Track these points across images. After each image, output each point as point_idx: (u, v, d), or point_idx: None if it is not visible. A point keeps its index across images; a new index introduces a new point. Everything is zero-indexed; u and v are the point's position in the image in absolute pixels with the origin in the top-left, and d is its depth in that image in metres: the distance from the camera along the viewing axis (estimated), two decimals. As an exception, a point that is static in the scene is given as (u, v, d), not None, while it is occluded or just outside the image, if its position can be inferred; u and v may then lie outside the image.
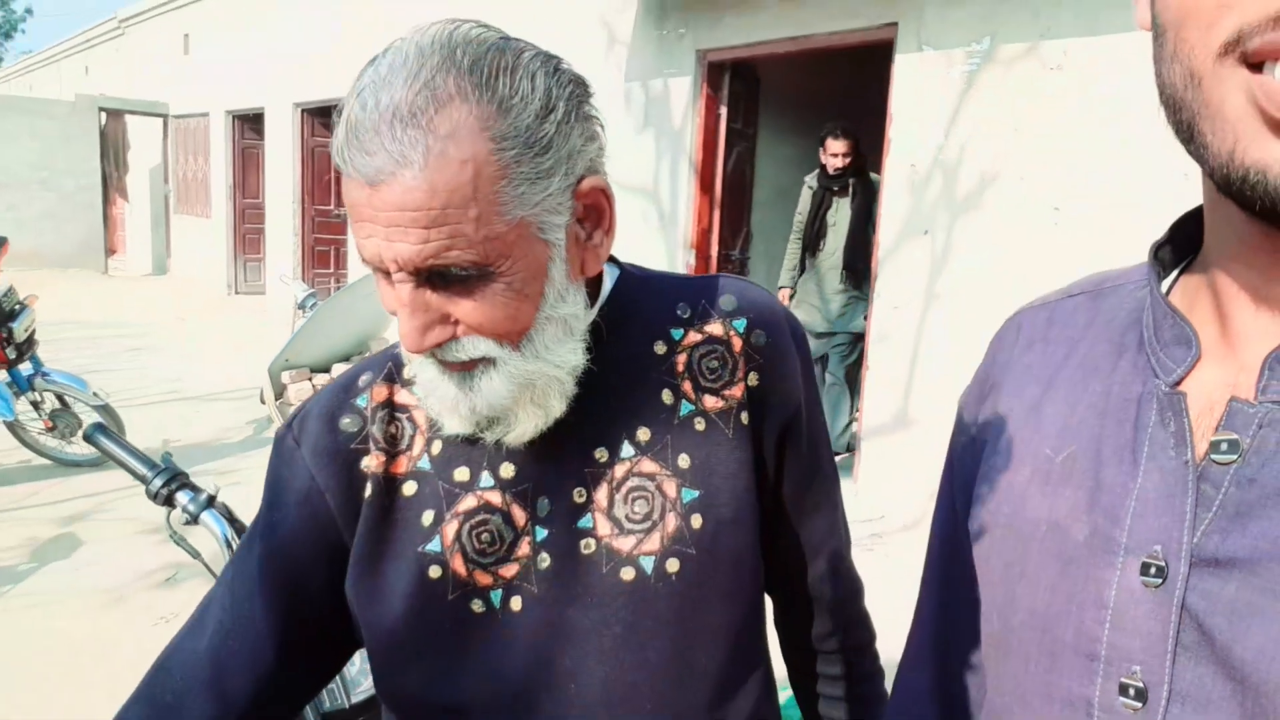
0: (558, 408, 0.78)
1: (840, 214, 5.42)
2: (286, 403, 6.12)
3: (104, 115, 14.92)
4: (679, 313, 0.86)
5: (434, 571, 0.80)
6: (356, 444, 0.84)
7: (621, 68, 6.23)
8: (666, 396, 0.83)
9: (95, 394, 5.00)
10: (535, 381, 0.76)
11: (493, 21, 0.71)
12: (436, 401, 0.77)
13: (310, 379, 6.21)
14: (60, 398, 5.05)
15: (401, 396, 0.85)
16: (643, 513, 0.80)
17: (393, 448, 0.84)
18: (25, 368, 4.86)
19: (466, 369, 0.74)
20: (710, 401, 0.84)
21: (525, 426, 0.77)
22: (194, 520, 1.22)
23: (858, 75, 6.74)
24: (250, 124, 12.29)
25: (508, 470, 0.81)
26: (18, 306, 4.77)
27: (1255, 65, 0.41)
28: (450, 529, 0.80)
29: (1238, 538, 0.45)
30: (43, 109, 14.72)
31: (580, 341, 0.79)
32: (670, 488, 0.81)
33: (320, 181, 11.16)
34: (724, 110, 5.89)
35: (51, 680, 3.04)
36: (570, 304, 0.77)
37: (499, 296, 0.71)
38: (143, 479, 1.22)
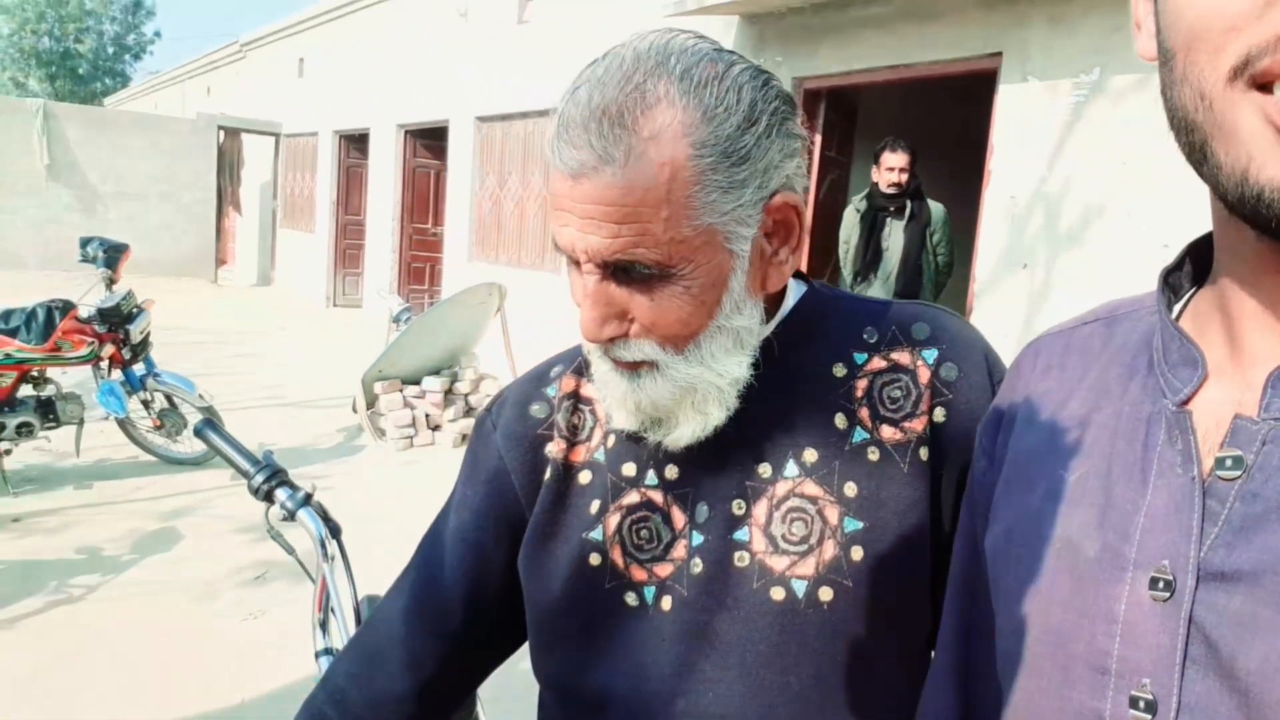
0: (718, 416, 0.79)
1: (894, 238, 5.10)
2: (378, 412, 6.29)
3: (222, 133, 15.74)
4: (865, 336, 0.84)
5: (594, 559, 0.83)
6: (543, 430, 0.89)
7: (717, 94, 6.27)
8: (840, 421, 0.81)
9: (200, 396, 5.23)
10: (696, 387, 0.77)
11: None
12: (609, 396, 0.80)
13: (401, 390, 6.38)
14: (169, 398, 5.30)
15: (587, 389, 0.89)
16: (800, 535, 0.79)
17: (574, 436, 0.88)
18: (139, 368, 5.12)
19: (632, 369, 0.77)
20: (888, 432, 0.81)
21: (684, 430, 0.78)
22: (290, 517, 1.26)
23: (958, 105, 6.63)
24: (355, 144, 12.78)
25: (672, 471, 0.83)
26: (135, 310, 5.04)
27: (1265, 86, 0.41)
28: (613, 520, 0.83)
29: (1243, 551, 0.46)
30: (166, 126, 15.63)
31: (749, 355, 0.79)
32: (832, 514, 0.79)
33: (419, 200, 11.52)
34: (819, 138, 5.86)
35: (146, 668, 3.16)
36: (745, 317, 0.78)
37: (675, 299, 0.73)
38: (245, 474, 1.27)
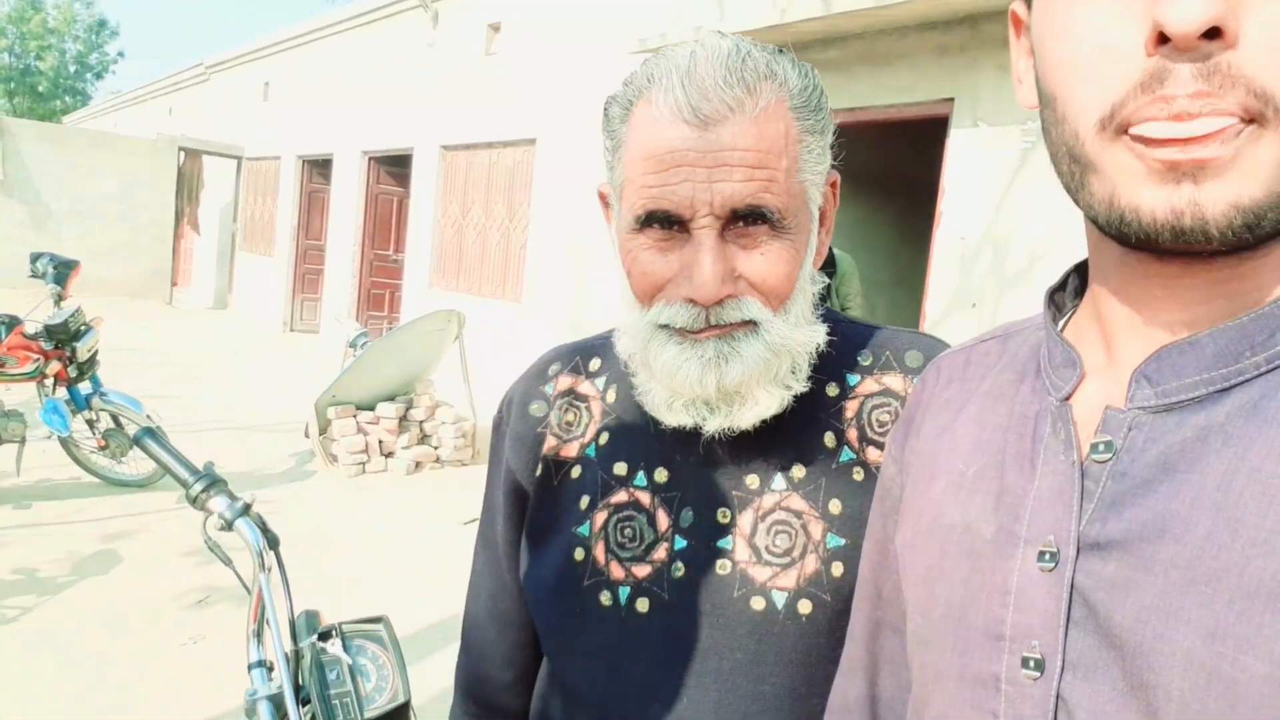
0: (797, 386, 0.81)
1: None
2: (330, 438, 6.22)
3: (183, 154, 15.60)
4: (859, 359, 0.87)
5: (578, 554, 0.86)
6: (540, 428, 0.92)
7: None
8: (829, 439, 0.84)
9: (148, 416, 5.13)
10: (786, 350, 0.79)
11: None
12: (676, 382, 0.79)
13: (355, 415, 6.32)
14: (115, 418, 5.19)
15: (583, 387, 0.93)
16: (784, 548, 0.81)
17: (566, 433, 0.91)
18: (85, 387, 5.03)
19: (728, 335, 0.77)
20: (874, 454, 0.83)
21: (761, 408, 0.79)
22: (228, 527, 1.25)
23: (910, 148, 6.80)
24: (318, 169, 12.74)
25: (662, 475, 0.85)
26: (84, 327, 4.95)
27: (1128, 130, 0.48)
28: (600, 517, 0.86)
29: (1114, 523, 0.51)
30: (125, 146, 15.45)
31: (821, 327, 0.82)
32: (816, 530, 0.81)
33: (381, 226, 11.49)
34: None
35: (81, 692, 3.08)
36: (815, 284, 0.83)
37: (784, 253, 0.77)
38: (184, 483, 1.27)
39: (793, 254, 0.77)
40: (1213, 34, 0.44)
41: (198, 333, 12.59)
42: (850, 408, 0.85)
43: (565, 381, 0.94)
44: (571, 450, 0.90)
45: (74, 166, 14.73)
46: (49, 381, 4.89)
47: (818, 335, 0.81)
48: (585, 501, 0.87)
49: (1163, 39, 0.45)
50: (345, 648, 1.24)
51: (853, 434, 0.84)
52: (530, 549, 0.91)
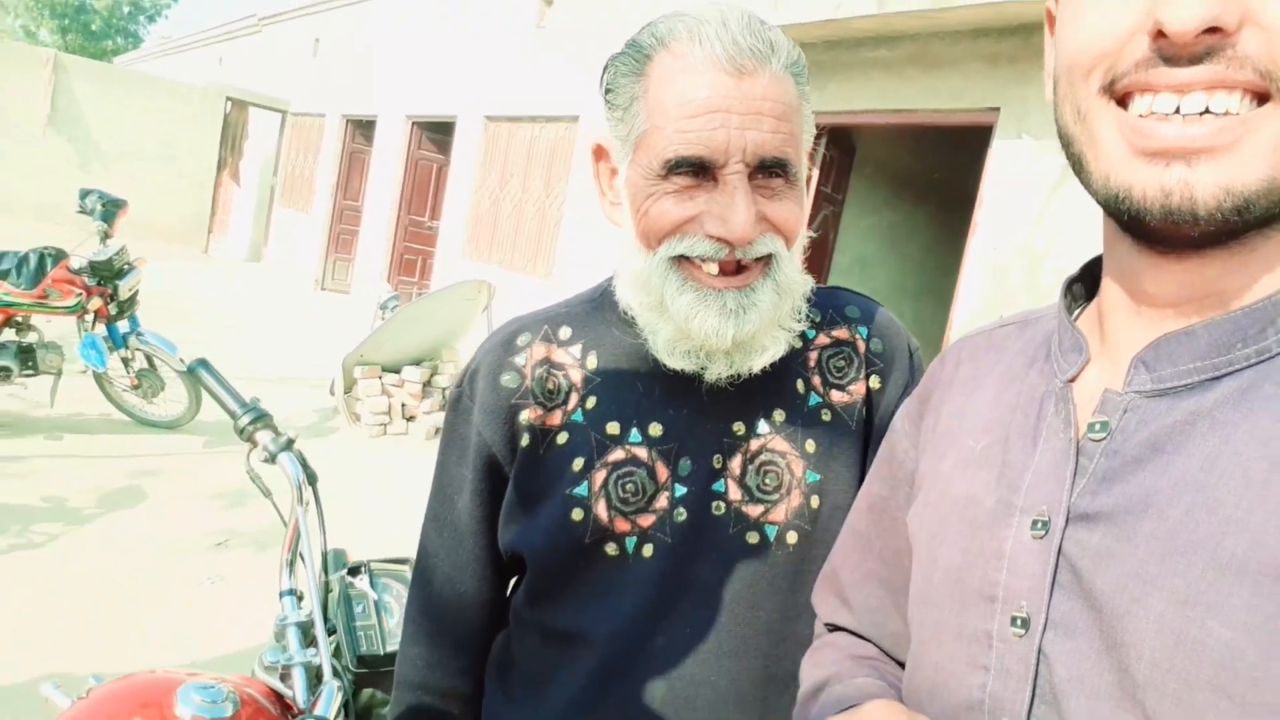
0: (796, 327, 0.91)
1: None
2: (355, 397, 6.32)
3: (229, 104, 15.74)
4: (812, 316, 0.96)
5: (576, 514, 0.91)
6: (516, 399, 0.95)
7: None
8: (800, 386, 0.94)
9: (181, 360, 5.24)
10: (788, 291, 0.87)
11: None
12: (689, 326, 0.85)
13: (380, 377, 6.41)
14: (149, 359, 5.30)
15: (558, 355, 0.96)
16: (773, 485, 0.91)
17: (549, 402, 0.95)
18: (123, 325, 5.13)
19: (744, 281, 0.84)
20: (836, 396, 0.95)
21: (769, 354, 0.88)
22: (272, 460, 1.32)
23: (950, 156, 6.77)
24: (361, 129, 12.83)
25: (656, 429, 0.91)
26: (127, 266, 5.05)
27: (1122, 101, 0.52)
28: (599, 476, 0.91)
29: (1104, 497, 0.56)
30: (175, 91, 15.62)
31: (808, 276, 0.92)
32: (798, 467, 0.91)
33: (419, 192, 11.57)
34: (815, 173, 5.98)
35: (102, 619, 3.19)
36: (805, 237, 0.91)
37: (794, 201, 0.86)
38: (232, 414, 1.33)
39: (799, 203, 0.86)
40: (1211, 30, 0.47)
41: (231, 283, 12.76)
42: (812, 358, 0.96)
43: (540, 350, 0.96)
44: (556, 418, 0.94)
45: (123, 108, 14.90)
46: (89, 317, 4.99)
47: (809, 281, 0.91)
48: (580, 464, 0.91)
49: (1161, 34, 0.48)
50: (372, 584, 1.30)
51: (817, 380, 0.95)
52: (518, 516, 0.94)
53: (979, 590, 0.61)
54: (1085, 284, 0.69)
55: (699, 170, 0.81)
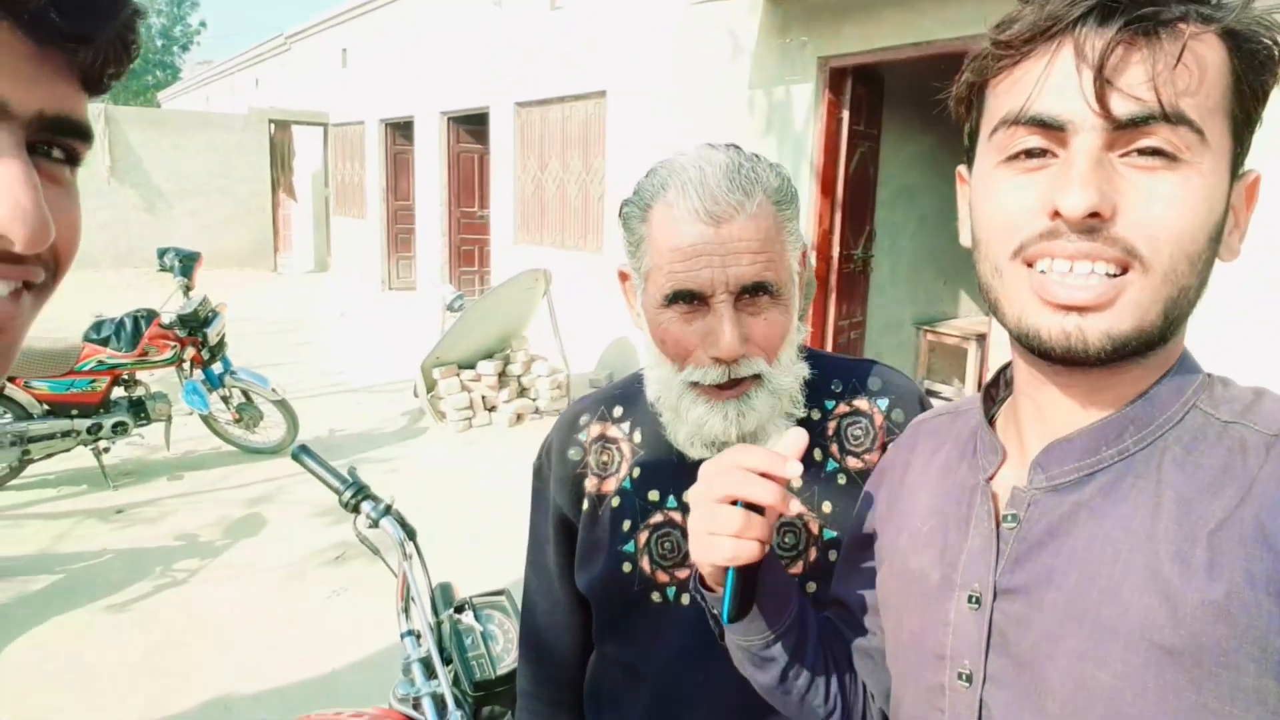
0: (798, 411, 1.05)
1: None
2: (437, 396, 6.64)
3: (272, 126, 16.21)
4: (833, 387, 1.11)
5: (626, 567, 1.10)
6: (579, 469, 1.16)
7: (745, 76, 6.41)
8: (817, 454, 1.08)
9: (274, 390, 5.63)
10: (783, 391, 1.02)
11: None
12: (701, 431, 1.01)
13: (458, 374, 6.72)
14: (245, 393, 5.71)
15: (612, 431, 1.16)
16: (791, 543, 1.06)
17: (604, 472, 1.15)
18: (217, 367, 5.53)
19: (740, 392, 0.99)
20: (852, 462, 1.07)
21: (772, 440, 1.00)
22: (375, 524, 1.55)
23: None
24: (401, 131, 13.09)
25: (688, 496, 1.07)
26: (211, 314, 5.42)
27: (1029, 264, 0.65)
28: (643, 536, 1.10)
29: (1019, 575, 0.69)
30: (220, 123, 16.16)
31: (804, 363, 1.06)
32: (814, 527, 1.06)
33: (465, 185, 11.82)
34: (846, 114, 5.98)
35: (245, 644, 3.54)
36: (800, 333, 1.05)
37: (780, 316, 0.99)
38: (336, 491, 1.56)
39: (786, 315, 1.00)
40: (1094, 215, 0.61)
41: (303, 296, 13.26)
42: (830, 427, 1.10)
43: (596, 429, 1.16)
44: (610, 485, 1.13)
45: (175, 147, 15.50)
46: (186, 365, 5.40)
47: (803, 370, 1.05)
48: (628, 525, 1.10)
49: (1057, 215, 0.63)
50: (476, 617, 1.53)
51: (834, 448, 1.09)
52: (584, 567, 1.14)
53: (933, 650, 0.75)
54: (998, 387, 0.83)
55: (694, 298, 0.97)
